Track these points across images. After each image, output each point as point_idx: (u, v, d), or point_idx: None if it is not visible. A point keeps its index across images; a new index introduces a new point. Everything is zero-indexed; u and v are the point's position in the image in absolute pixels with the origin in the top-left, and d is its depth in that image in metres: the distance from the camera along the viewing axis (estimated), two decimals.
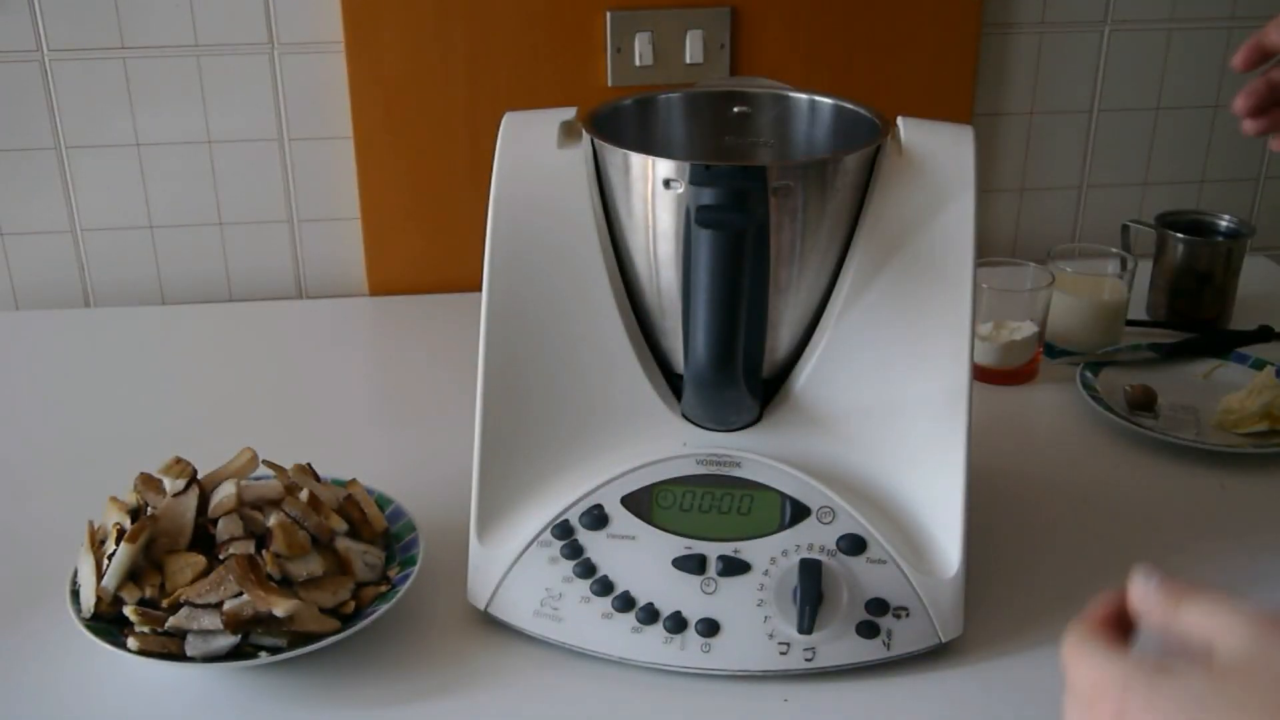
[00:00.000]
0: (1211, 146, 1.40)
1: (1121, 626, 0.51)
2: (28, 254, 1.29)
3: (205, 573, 0.74)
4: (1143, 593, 0.50)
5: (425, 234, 1.29)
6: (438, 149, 1.26)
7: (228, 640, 0.72)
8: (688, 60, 1.24)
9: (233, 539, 0.76)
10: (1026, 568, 0.85)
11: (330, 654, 0.75)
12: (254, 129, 1.26)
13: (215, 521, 0.77)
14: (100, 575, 0.74)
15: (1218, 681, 0.45)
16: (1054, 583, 0.84)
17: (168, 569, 0.75)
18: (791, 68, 1.26)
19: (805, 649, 0.74)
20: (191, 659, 0.72)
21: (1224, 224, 1.22)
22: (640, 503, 0.77)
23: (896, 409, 0.78)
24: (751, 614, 0.75)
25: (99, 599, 0.73)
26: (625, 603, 0.76)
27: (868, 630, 0.74)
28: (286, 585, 0.75)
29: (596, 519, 0.77)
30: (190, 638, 0.72)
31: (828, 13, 1.26)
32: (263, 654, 0.72)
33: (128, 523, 0.76)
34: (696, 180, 0.70)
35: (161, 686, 0.74)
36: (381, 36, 1.21)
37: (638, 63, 1.24)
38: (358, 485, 0.85)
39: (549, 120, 0.82)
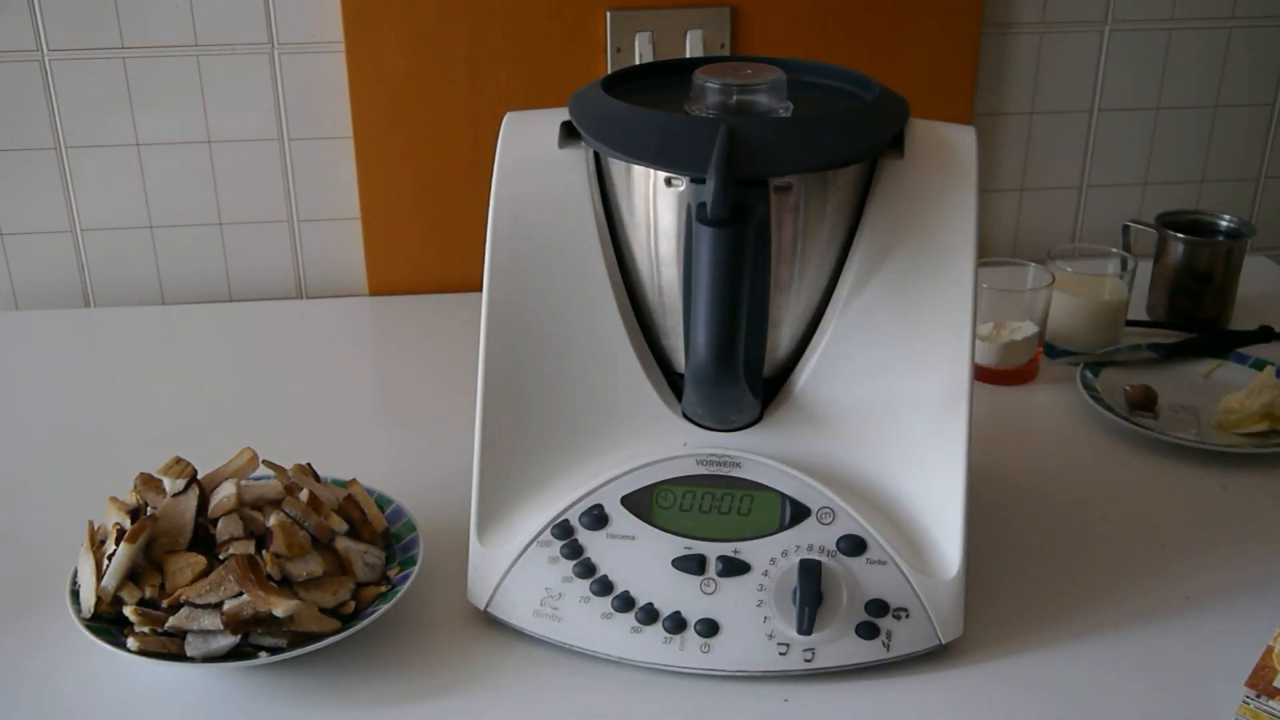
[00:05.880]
0: (1211, 146, 1.40)
1: None
2: (28, 254, 1.29)
3: (205, 573, 0.74)
4: None
5: (425, 234, 1.29)
6: (438, 149, 1.25)
7: (228, 640, 0.72)
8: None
9: (233, 539, 0.76)
10: (1026, 568, 0.85)
11: (330, 654, 0.75)
12: (254, 129, 1.26)
13: (215, 521, 0.77)
14: (100, 575, 0.74)
15: None
16: (1054, 583, 0.84)
17: (168, 569, 0.75)
18: None
19: (805, 650, 0.74)
20: (191, 659, 0.72)
21: (1224, 224, 1.22)
22: (640, 503, 0.77)
23: (897, 409, 0.78)
24: (751, 614, 0.75)
25: (99, 599, 0.73)
26: (625, 603, 0.76)
27: (867, 631, 0.74)
28: (286, 585, 0.75)
29: (596, 519, 0.77)
30: (190, 638, 0.72)
31: (828, 12, 1.26)
32: (263, 654, 0.72)
33: (128, 523, 0.76)
34: (698, 178, 0.70)
35: (161, 686, 0.74)
36: (381, 36, 1.21)
37: (638, 63, 1.23)
38: (358, 485, 0.85)
39: (550, 120, 0.82)
